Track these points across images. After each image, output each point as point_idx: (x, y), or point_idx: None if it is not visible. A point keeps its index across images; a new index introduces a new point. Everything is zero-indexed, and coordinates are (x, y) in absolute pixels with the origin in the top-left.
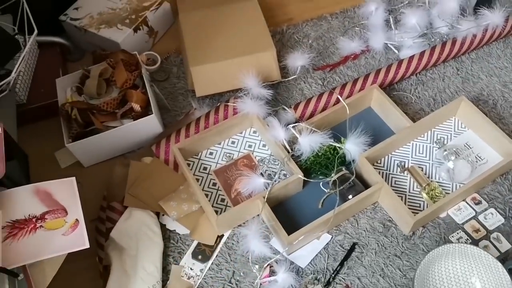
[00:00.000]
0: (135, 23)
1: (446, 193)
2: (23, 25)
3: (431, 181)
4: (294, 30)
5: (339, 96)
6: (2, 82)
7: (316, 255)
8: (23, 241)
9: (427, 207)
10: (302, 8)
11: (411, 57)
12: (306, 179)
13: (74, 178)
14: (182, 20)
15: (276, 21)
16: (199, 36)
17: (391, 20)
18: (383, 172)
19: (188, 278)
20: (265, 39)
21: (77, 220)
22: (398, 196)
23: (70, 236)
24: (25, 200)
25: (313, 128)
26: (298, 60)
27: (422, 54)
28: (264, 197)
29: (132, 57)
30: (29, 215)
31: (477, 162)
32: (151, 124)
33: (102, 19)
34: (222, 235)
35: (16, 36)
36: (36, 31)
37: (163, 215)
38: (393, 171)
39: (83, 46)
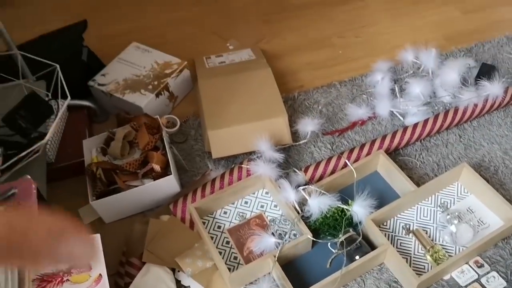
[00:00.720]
0: (157, 88)
1: (450, 255)
2: (56, 91)
3: (435, 244)
4: (305, 96)
5: (346, 161)
6: (36, 145)
7: None
8: None
9: (431, 269)
10: (313, 75)
11: (416, 124)
12: (315, 239)
13: (99, 235)
14: (200, 87)
15: (288, 87)
16: (216, 102)
17: (396, 89)
18: (388, 234)
19: None
20: (277, 105)
21: (100, 275)
22: (403, 257)
23: None
24: None
25: (322, 191)
26: (308, 125)
27: (426, 121)
28: (274, 256)
29: (154, 120)
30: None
31: (479, 226)
32: (169, 184)
33: (127, 84)
34: None
35: (50, 101)
36: (69, 98)
37: (178, 271)
38: (398, 233)
39: (109, 109)
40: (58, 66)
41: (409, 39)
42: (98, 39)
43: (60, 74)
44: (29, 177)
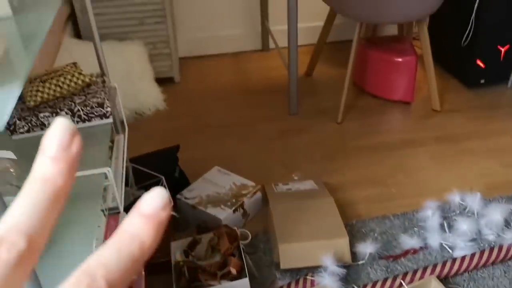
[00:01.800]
0: (235, 205)
1: None
2: None
3: None
4: (361, 224)
5: (402, 281)
6: None
7: None
8: None
9: None
10: (369, 208)
11: (463, 257)
12: None
13: None
14: (271, 207)
15: (347, 216)
16: (285, 220)
17: (445, 224)
18: None
19: None
20: (340, 229)
21: None
22: None
23: None
24: None
25: None
26: (366, 249)
27: (473, 255)
28: None
29: (233, 231)
30: None
31: None
32: (243, 287)
33: (209, 200)
34: None
35: None
36: (172, 203)
37: None
38: None
39: (190, 220)
40: (163, 177)
41: (454, 184)
42: (187, 161)
43: (165, 184)
44: None
